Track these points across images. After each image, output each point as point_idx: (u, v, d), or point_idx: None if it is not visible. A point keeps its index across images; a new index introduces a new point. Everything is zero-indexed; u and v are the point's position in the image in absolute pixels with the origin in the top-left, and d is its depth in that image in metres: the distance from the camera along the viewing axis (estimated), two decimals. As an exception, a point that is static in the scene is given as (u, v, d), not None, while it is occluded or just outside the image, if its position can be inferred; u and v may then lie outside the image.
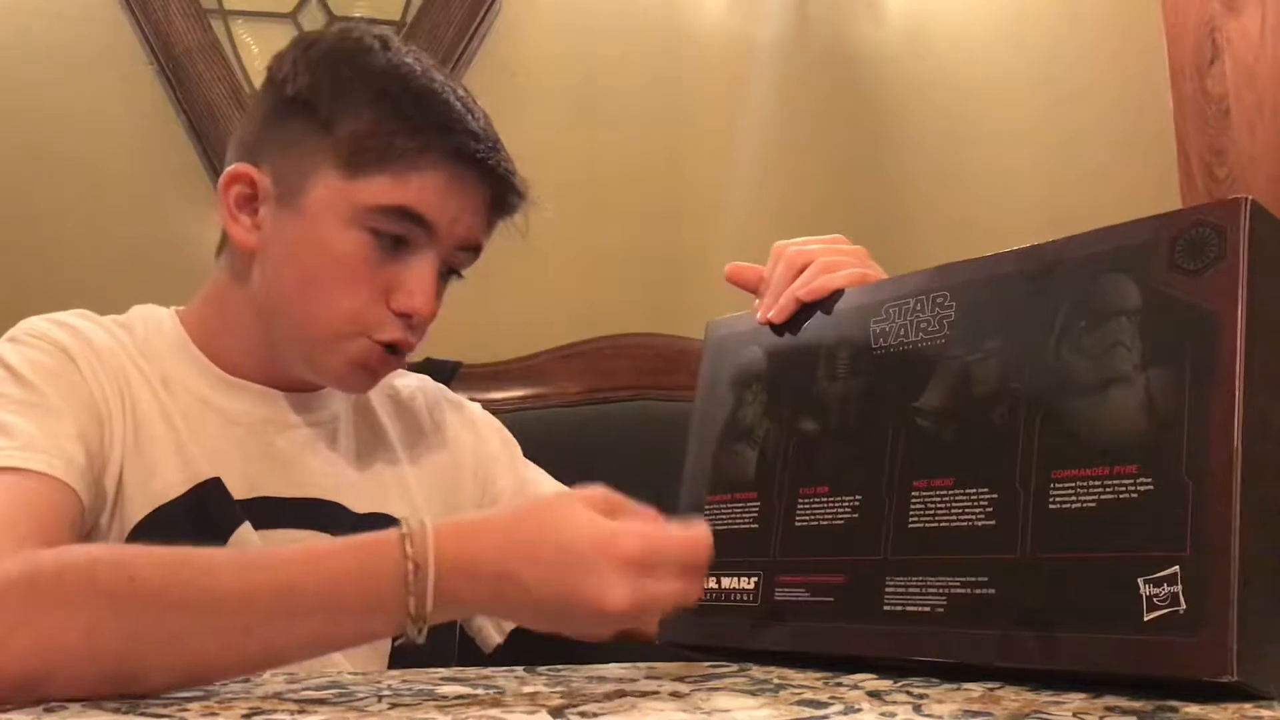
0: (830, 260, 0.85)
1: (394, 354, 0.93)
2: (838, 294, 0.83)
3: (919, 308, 0.76)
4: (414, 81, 0.91)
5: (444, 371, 1.26)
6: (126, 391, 0.90)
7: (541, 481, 1.10)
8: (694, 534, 0.67)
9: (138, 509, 0.87)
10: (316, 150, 0.90)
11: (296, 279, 0.91)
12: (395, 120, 0.89)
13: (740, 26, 1.75)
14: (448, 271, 0.95)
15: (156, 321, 0.97)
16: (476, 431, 1.10)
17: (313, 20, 1.61)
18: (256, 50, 1.59)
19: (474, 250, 0.96)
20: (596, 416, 1.48)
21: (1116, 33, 1.85)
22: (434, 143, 0.89)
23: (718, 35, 1.74)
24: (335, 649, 0.71)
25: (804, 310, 0.84)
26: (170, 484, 0.89)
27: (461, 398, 1.13)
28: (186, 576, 0.65)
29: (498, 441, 1.11)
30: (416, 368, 1.18)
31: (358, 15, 1.63)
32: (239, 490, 0.91)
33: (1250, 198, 0.62)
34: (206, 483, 0.90)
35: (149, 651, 0.63)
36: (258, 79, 1.56)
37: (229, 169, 0.93)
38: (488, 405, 1.15)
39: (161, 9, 1.54)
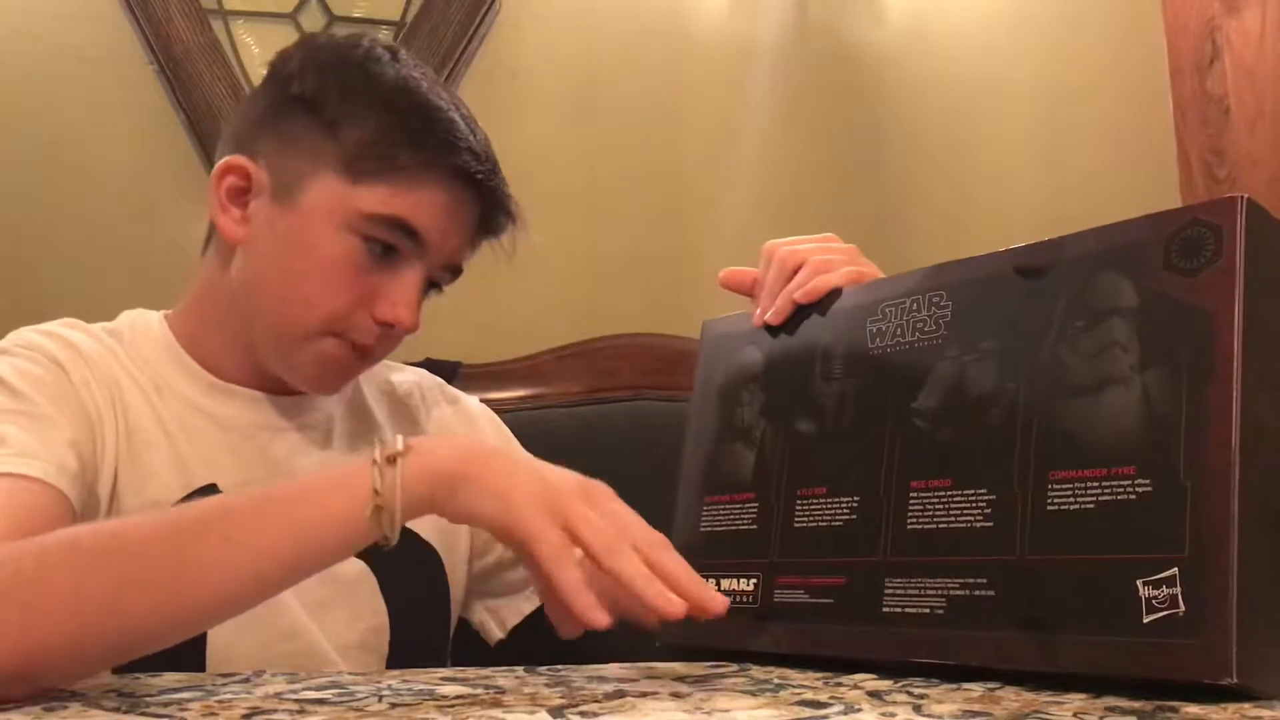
0: (823, 259, 0.85)
1: (362, 358, 0.94)
2: (834, 293, 0.83)
3: (915, 307, 0.76)
4: (421, 96, 0.91)
5: (444, 372, 1.26)
6: (118, 399, 0.90)
7: None
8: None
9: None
10: (318, 151, 0.90)
11: (280, 275, 0.91)
12: (401, 132, 0.89)
13: (740, 27, 1.75)
14: (428, 286, 0.95)
15: (145, 326, 0.97)
16: (473, 425, 1.10)
17: (313, 20, 1.61)
18: (256, 50, 1.59)
19: (456, 269, 0.96)
20: (596, 416, 1.48)
21: (1116, 33, 1.85)
22: (437, 159, 0.90)
23: (718, 35, 1.74)
24: (319, 552, 0.70)
25: (800, 310, 0.84)
26: (166, 489, 0.89)
27: (459, 392, 1.13)
28: (167, 518, 0.69)
29: (494, 435, 1.11)
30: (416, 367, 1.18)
31: (358, 15, 1.63)
32: None
33: (1246, 196, 0.61)
34: (201, 489, 0.90)
35: (135, 594, 0.64)
36: (258, 79, 1.55)
37: (224, 160, 0.93)
38: (488, 405, 1.15)
39: (161, 9, 1.54)
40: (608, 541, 0.66)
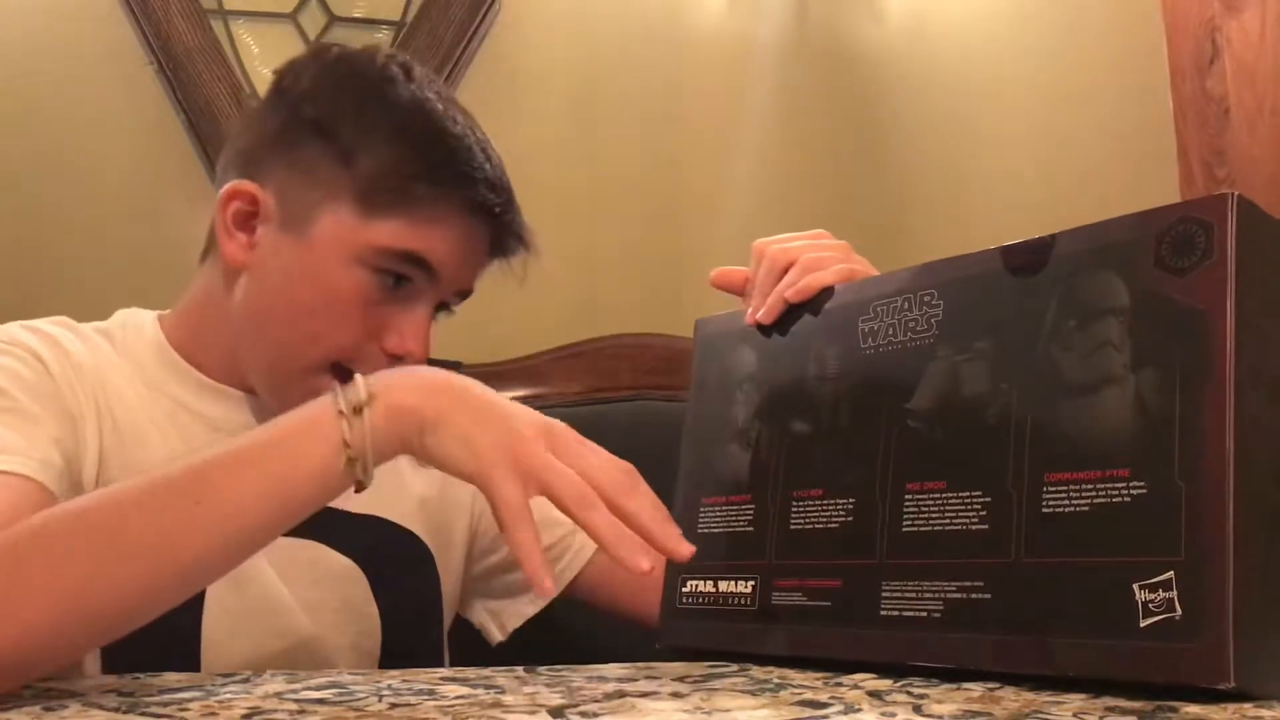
0: (814, 258, 0.84)
1: None
2: (826, 291, 0.82)
3: (907, 306, 0.75)
4: (438, 122, 0.89)
5: (444, 371, 1.26)
6: (103, 399, 0.89)
7: None
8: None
9: None
10: (331, 181, 0.88)
11: (288, 306, 0.89)
12: (417, 164, 0.88)
13: (740, 27, 1.75)
14: (438, 310, 0.94)
15: (136, 327, 0.96)
16: None
17: (313, 20, 1.61)
18: (256, 50, 1.59)
19: (466, 294, 0.96)
20: (596, 416, 1.47)
21: (1116, 33, 1.85)
22: (454, 193, 0.88)
23: (718, 35, 1.74)
24: (294, 506, 0.70)
25: (792, 309, 0.83)
26: None
27: None
28: (135, 487, 0.68)
29: None
30: (416, 367, 1.18)
31: (358, 15, 1.63)
32: None
33: (1237, 193, 0.61)
34: None
35: (112, 569, 0.64)
36: (258, 79, 1.57)
37: (231, 184, 0.91)
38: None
39: (161, 9, 1.54)
40: (577, 493, 0.67)
